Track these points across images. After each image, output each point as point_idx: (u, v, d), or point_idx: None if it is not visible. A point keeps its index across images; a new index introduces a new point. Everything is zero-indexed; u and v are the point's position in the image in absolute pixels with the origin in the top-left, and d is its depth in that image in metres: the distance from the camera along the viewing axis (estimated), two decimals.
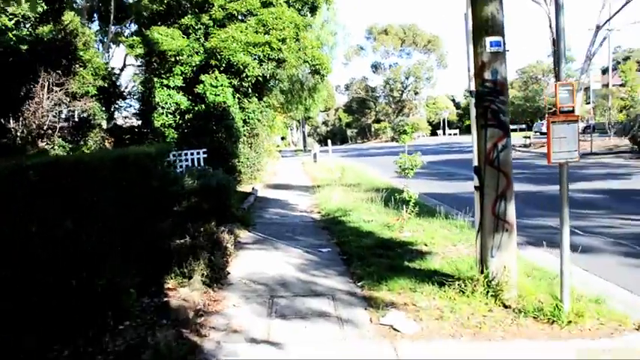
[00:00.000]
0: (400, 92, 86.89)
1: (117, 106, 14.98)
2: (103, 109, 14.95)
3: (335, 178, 16.02)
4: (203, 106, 12.41)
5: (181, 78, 12.82)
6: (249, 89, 13.33)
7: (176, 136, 12.70)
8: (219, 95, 12.39)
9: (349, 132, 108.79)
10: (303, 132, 56.27)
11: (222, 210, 8.37)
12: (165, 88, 12.64)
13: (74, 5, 13.74)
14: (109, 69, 14.44)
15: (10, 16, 12.35)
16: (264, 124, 14.95)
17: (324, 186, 13.97)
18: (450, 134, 70.65)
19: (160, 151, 7.15)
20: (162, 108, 12.61)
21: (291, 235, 8.02)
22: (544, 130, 42.49)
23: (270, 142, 25.91)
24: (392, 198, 9.98)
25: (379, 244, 6.78)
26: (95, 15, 17.59)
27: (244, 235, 8.00)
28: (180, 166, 10.77)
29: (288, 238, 7.77)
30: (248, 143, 14.07)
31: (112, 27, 14.29)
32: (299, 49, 15.27)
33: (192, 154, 11.61)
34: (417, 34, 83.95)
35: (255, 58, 12.79)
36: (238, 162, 13.11)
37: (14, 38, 13.52)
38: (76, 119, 15.60)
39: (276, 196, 12.68)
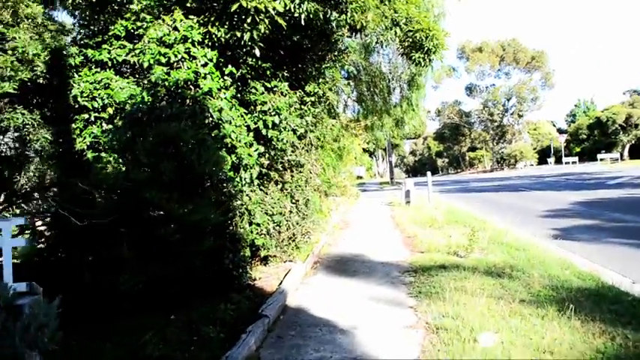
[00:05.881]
0: (501, 116, 76.51)
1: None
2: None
3: (456, 244, 8.15)
4: (145, 94, 5.12)
5: (127, 47, 5.92)
6: (256, 59, 5.77)
7: (124, 168, 5.78)
8: (179, 66, 5.25)
9: (440, 162, 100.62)
10: (390, 162, 48.35)
11: None
12: (93, 68, 5.81)
13: None
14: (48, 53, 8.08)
15: None
16: (312, 144, 7.43)
17: (436, 269, 6.32)
18: (568, 162, 58.43)
19: None
20: (90, 110, 5.78)
21: None
22: None
23: (343, 175, 18.37)
24: None
25: None
26: None
27: None
28: None
29: None
30: (276, 183, 6.66)
31: None
32: None
33: None
34: (519, 49, 73.88)
35: None
36: (250, 226, 5.77)
37: None
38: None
39: (329, 312, 5.17)
